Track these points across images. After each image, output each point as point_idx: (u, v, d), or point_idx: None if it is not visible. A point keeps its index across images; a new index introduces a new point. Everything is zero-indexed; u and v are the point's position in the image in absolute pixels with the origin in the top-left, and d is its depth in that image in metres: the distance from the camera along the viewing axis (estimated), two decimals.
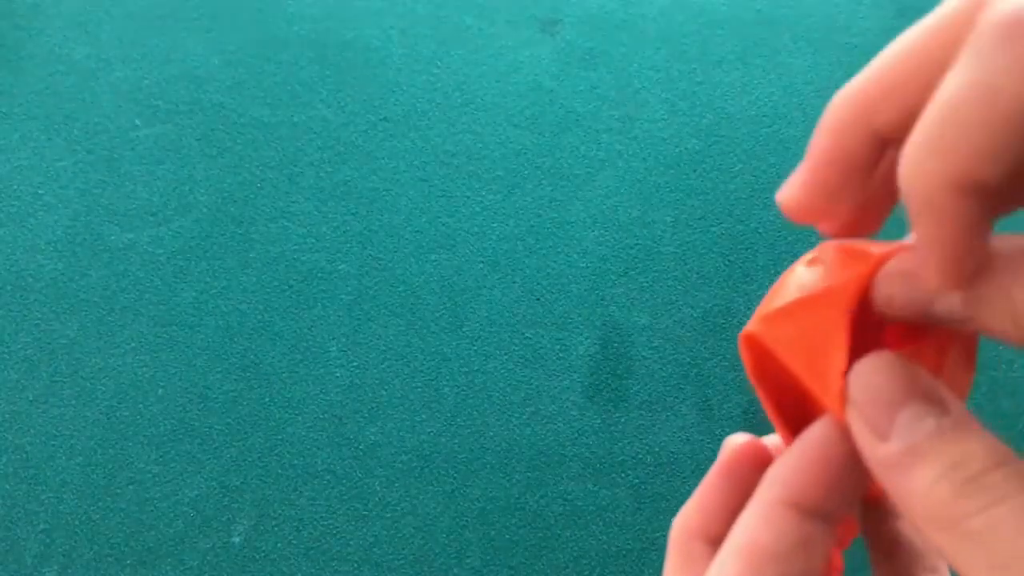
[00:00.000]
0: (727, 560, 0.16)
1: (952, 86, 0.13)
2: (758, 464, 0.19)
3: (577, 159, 0.51)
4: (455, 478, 0.43)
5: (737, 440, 0.19)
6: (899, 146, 0.15)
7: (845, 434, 0.16)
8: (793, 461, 0.16)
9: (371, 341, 0.46)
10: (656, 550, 0.41)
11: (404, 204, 0.50)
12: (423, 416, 0.44)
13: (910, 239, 0.16)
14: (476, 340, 0.46)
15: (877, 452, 0.14)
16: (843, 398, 0.15)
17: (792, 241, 0.48)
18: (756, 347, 0.18)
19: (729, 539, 0.16)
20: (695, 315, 0.46)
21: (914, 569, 0.19)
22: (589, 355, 0.45)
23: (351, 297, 0.47)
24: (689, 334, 0.46)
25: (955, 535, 0.13)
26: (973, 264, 0.14)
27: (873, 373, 0.15)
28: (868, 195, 0.17)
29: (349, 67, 0.54)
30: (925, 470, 0.13)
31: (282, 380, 0.45)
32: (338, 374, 0.45)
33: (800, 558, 0.16)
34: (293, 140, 0.51)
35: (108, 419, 0.44)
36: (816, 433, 0.16)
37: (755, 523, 0.16)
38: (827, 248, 0.17)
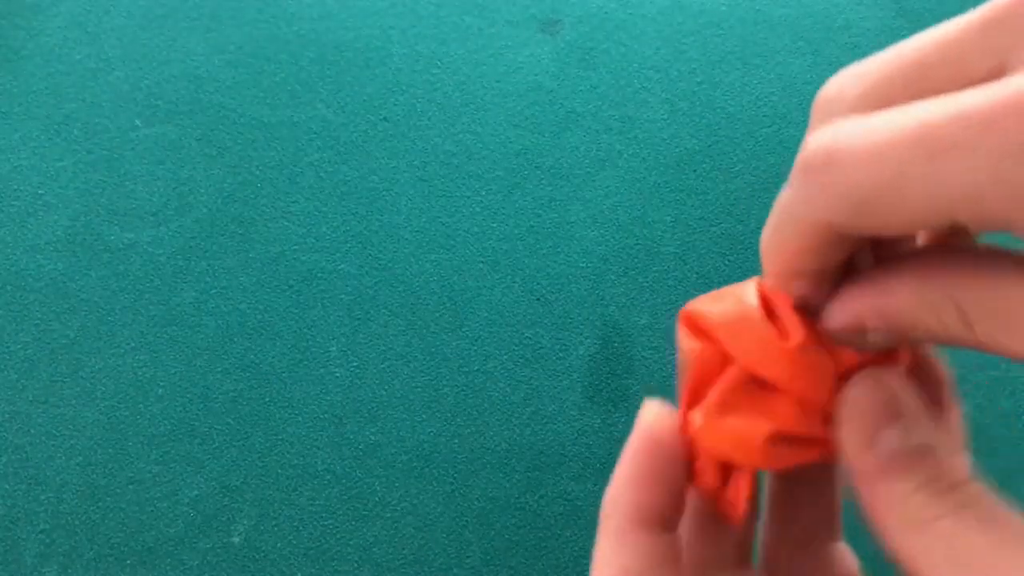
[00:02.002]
0: None
1: (776, 207, 0.17)
2: (675, 447, 0.19)
3: (577, 159, 0.51)
4: (455, 478, 0.43)
5: (652, 411, 0.20)
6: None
7: (662, 446, 0.18)
8: (627, 482, 0.18)
9: (371, 341, 0.46)
10: None
11: (404, 204, 0.50)
12: (423, 416, 0.44)
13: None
14: (476, 340, 0.46)
15: (863, 462, 0.16)
16: (826, 410, 0.17)
17: None
18: (697, 329, 0.19)
19: (599, 571, 0.18)
20: None
21: (818, 532, 0.20)
22: (589, 355, 0.45)
23: (351, 297, 0.47)
24: None
25: (926, 536, 0.14)
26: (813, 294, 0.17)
27: (867, 391, 0.16)
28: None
29: (349, 67, 0.54)
30: (906, 479, 0.15)
31: (282, 380, 0.45)
32: (338, 374, 0.45)
33: (666, 569, 0.17)
34: (293, 140, 0.51)
35: (108, 419, 0.44)
36: (638, 451, 0.18)
37: (616, 551, 0.18)
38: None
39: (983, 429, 0.43)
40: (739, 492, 0.18)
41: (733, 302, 0.19)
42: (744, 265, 0.48)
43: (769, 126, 0.51)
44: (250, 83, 0.53)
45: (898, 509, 0.15)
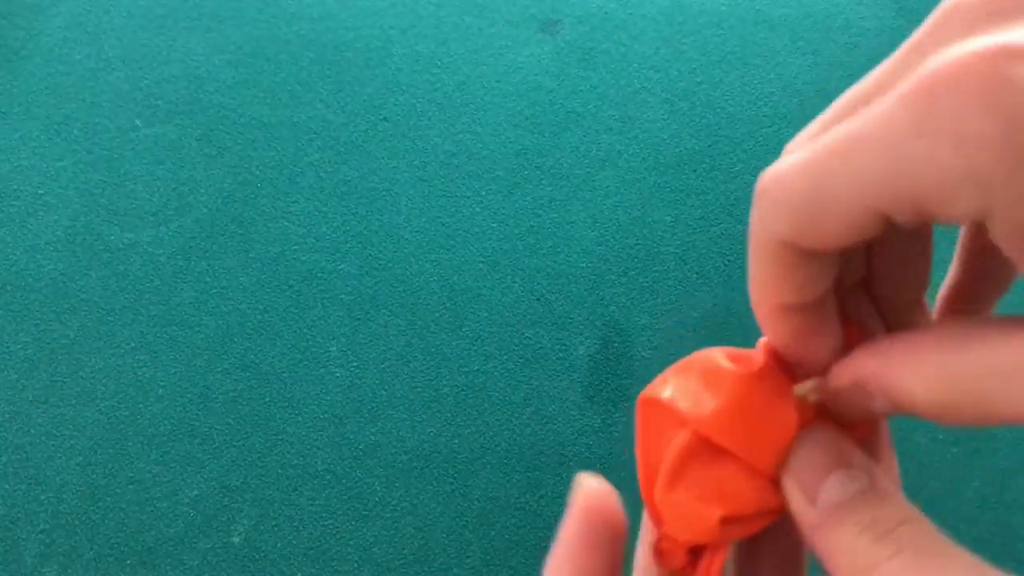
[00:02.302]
0: None
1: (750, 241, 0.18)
2: (612, 516, 0.19)
3: (577, 159, 0.51)
4: (455, 478, 0.43)
5: (590, 484, 0.20)
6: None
7: (599, 515, 0.19)
8: (565, 552, 0.19)
9: (371, 341, 0.46)
10: None
11: (404, 204, 0.50)
12: (423, 416, 0.44)
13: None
14: (476, 340, 0.46)
15: (809, 514, 0.17)
16: (776, 469, 0.18)
17: None
18: (654, 411, 0.19)
19: None
20: (695, 315, 0.46)
21: None
22: (589, 355, 0.45)
23: (351, 297, 0.47)
24: (689, 334, 0.46)
25: None
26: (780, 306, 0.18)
27: (809, 445, 0.18)
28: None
29: (349, 67, 0.54)
30: (850, 525, 0.16)
31: (282, 380, 0.45)
32: (338, 374, 0.45)
33: None
34: (293, 140, 0.51)
35: (108, 419, 0.44)
36: (576, 521, 0.19)
37: None
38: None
39: (983, 429, 0.44)
40: (710, 568, 0.19)
41: (694, 363, 0.20)
42: (744, 265, 0.48)
43: (769, 126, 0.51)
44: (250, 83, 0.53)
45: (846, 557, 0.16)
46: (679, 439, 0.19)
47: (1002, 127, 0.13)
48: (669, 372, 0.20)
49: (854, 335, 0.19)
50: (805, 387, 0.19)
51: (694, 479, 0.18)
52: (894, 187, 0.14)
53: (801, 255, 0.17)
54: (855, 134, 0.15)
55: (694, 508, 0.18)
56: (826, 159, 0.15)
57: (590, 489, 0.20)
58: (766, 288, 0.18)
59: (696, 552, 0.19)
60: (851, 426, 0.19)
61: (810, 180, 0.16)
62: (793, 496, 0.17)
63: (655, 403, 0.20)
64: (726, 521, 0.18)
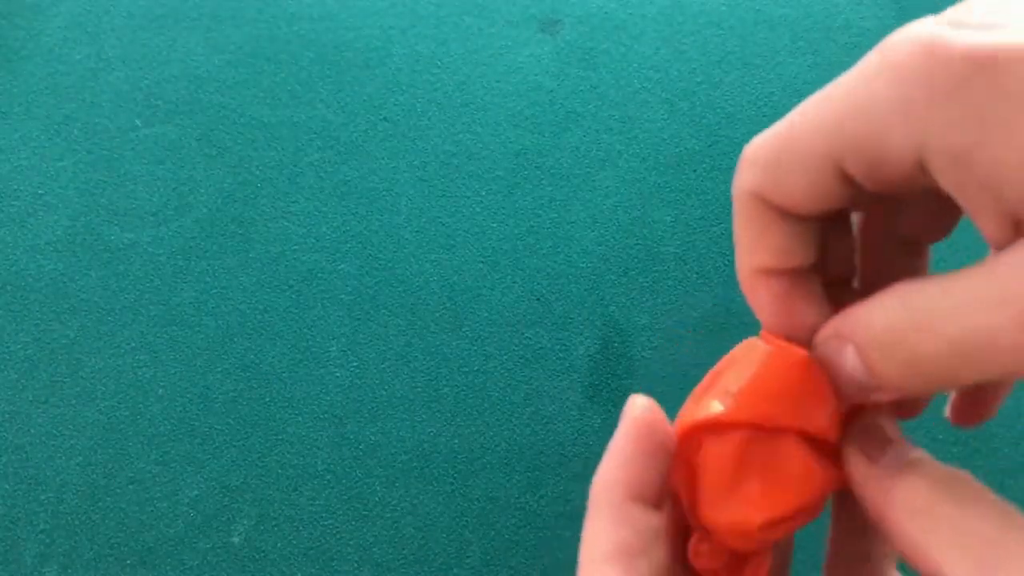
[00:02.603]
0: (598, 567, 0.18)
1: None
2: (663, 432, 0.20)
3: (577, 159, 0.51)
4: (455, 478, 0.43)
5: (641, 403, 0.21)
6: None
7: (651, 428, 0.20)
8: (620, 463, 0.20)
9: (371, 341, 0.46)
10: None
11: (404, 204, 0.50)
12: (423, 416, 0.44)
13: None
14: (476, 340, 0.46)
15: (871, 469, 0.18)
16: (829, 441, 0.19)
17: None
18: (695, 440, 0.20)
19: (590, 545, 0.19)
20: (695, 315, 0.46)
21: (878, 549, 0.22)
22: (589, 355, 0.45)
23: (351, 297, 0.47)
24: (689, 334, 0.46)
25: (932, 520, 0.16)
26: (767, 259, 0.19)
27: (870, 421, 0.19)
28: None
29: (349, 67, 0.54)
30: (911, 476, 0.17)
31: (282, 380, 0.45)
32: (338, 374, 0.45)
33: (659, 546, 0.19)
34: (293, 140, 0.51)
35: (108, 419, 0.44)
36: (629, 434, 0.20)
37: (609, 526, 0.19)
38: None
39: (983, 429, 0.44)
40: (758, 572, 0.20)
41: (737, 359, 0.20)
42: None
43: (769, 126, 0.51)
44: (250, 83, 0.53)
45: (907, 502, 0.17)
46: (726, 443, 0.19)
47: (932, 65, 0.15)
48: (699, 391, 0.21)
49: None
50: None
51: (740, 481, 0.19)
52: (845, 130, 0.16)
53: (774, 214, 0.18)
54: (820, 95, 0.17)
55: (736, 512, 0.19)
56: (794, 118, 0.17)
57: (640, 404, 0.20)
58: (743, 249, 0.19)
59: (736, 556, 0.20)
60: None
61: (778, 137, 0.18)
62: (855, 460, 0.18)
63: (694, 426, 0.20)
64: (765, 526, 0.18)
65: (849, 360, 0.17)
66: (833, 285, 0.21)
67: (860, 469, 0.18)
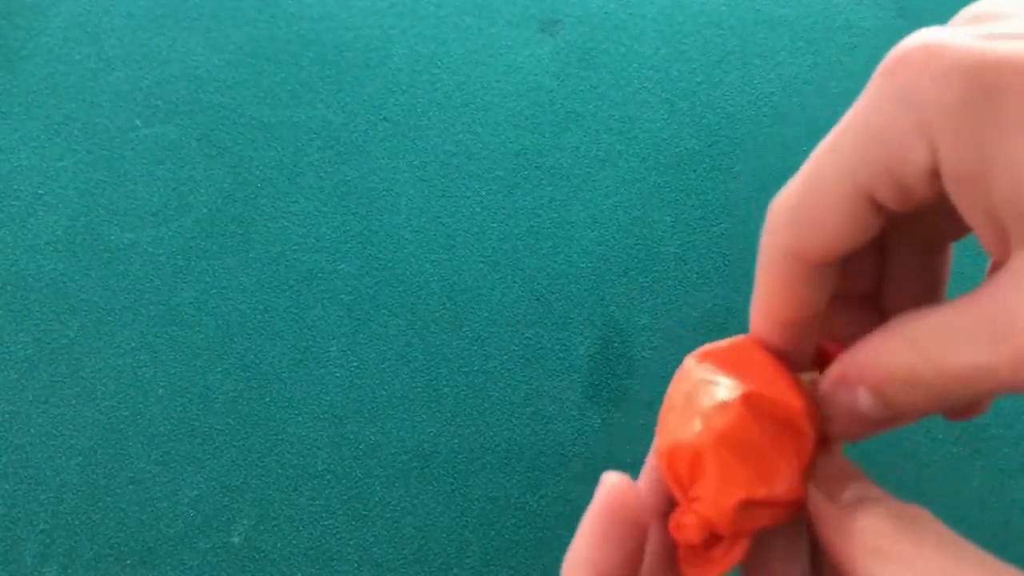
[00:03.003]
0: None
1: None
2: (635, 511, 0.20)
3: (577, 159, 0.51)
4: (455, 478, 0.43)
5: (612, 481, 0.21)
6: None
7: (621, 510, 0.20)
8: (585, 545, 0.21)
9: (371, 341, 0.46)
10: None
11: (404, 204, 0.50)
12: (423, 416, 0.44)
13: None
14: (476, 340, 0.46)
15: (831, 507, 0.18)
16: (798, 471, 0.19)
17: None
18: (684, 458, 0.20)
19: None
20: (695, 315, 0.46)
21: None
22: (589, 355, 0.45)
23: (351, 297, 0.47)
24: (689, 334, 0.46)
25: (890, 562, 0.17)
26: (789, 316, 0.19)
27: (832, 458, 0.19)
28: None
29: (349, 67, 0.54)
30: (869, 512, 0.18)
31: (282, 380, 0.45)
32: (338, 374, 0.45)
33: None
34: (293, 140, 0.51)
35: (108, 419, 0.44)
36: (597, 515, 0.20)
37: None
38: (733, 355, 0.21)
39: (983, 429, 0.44)
40: (726, 555, 0.20)
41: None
42: (744, 266, 0.48)
43: (769, 126, 0.51)
44: (250, 83, 0.53)
45: (865, 541, 0.17)
46: (727, 412, 0.20)
47: (938, 86, 0.15)
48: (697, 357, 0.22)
49: (834, 351, 0.20)
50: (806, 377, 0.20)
51: (725, 458, 0.19)
52: (871, 160, 0.16)
53: (803, 269, 0.19)
54: (837, 129, 0.17)
55: (718, 488, 0.19)
56: (812, 166, 0.17)
57: (609, 483, 0.21)
58: (769, 306, 0.20)
59: (717, 538, 0.20)
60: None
61: (804, 183, 0.18)
62: (815, 497, 0.19)
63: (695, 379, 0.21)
64: (745, 506, 0.19)
65: (863, 400, 0.18)
66: (851, 299, 0.21)
67: (820, 507, 0.19)
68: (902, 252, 0.21)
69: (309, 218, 0.49)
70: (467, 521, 0.42)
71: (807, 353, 0.20)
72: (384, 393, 0.45)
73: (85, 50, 0.54)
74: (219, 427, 0.44)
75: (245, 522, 0.42)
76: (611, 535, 0.20)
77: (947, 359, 0.16)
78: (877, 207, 0.17)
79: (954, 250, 0.22)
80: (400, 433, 0.44)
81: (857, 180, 0.16)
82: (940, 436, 0.43)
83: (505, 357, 0.45)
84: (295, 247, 0.48)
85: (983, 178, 0.15)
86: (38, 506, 0.43)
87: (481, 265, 0.48)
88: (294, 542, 0.42)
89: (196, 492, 0.43)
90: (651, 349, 0.46)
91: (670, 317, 0.46)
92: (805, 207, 0.18)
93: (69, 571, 0.41)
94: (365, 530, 0.42)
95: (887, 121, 0.16)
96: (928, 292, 0.21)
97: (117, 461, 0.43)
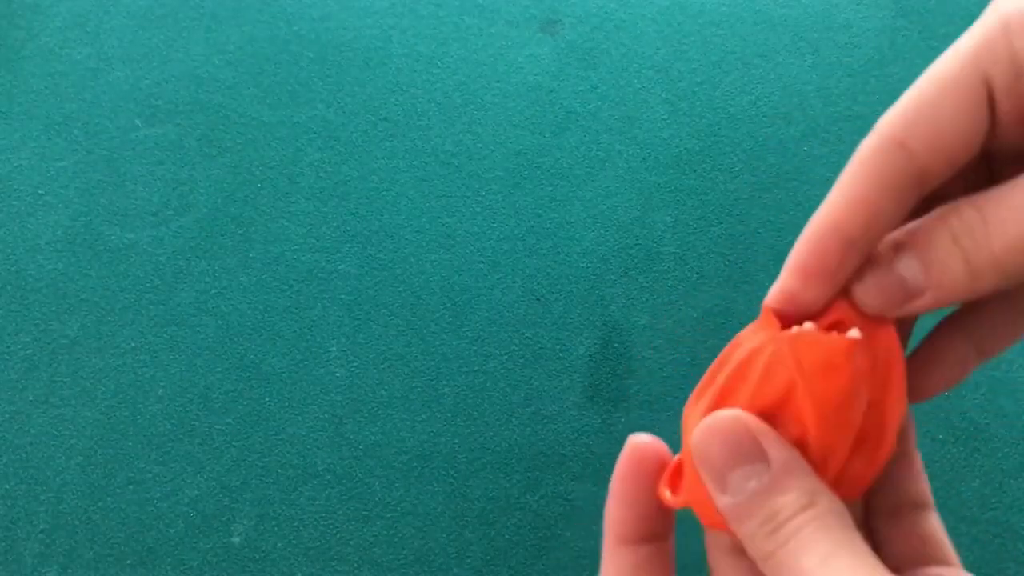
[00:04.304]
0: None
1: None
2: (657, 466, 0.21)
3: (577, 159, 0.51)
4: (455, 478, 0.43)
5: (637, 439, 0.21)
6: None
7: (640, 466, 0.20)
8: (610, 502, 0.21)
9: (371, 341, 0.46)
10: None
11: (404, 204, 0.50)
12: (423, 416, 0.44)
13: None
14: (476, 340, 0.46)
15: (720, 503, 0.18)
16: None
17: (792, 241, 0.48)
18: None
19: None
20: (695, 315, 0.46)
21: (906, 503, 0.22)
22: (589, 355, 0.45)
23: (351, 297, 0.47)
24: (689, 334, 0.46)
25: (769, 566, 0.17)
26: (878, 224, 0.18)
27: (707, 440, 0.19)
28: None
29: (349, 67, 0.54)
30: (748, 523, 0.18)
31: (282, 380, 0.45)
32: (338, 374, 0.45)
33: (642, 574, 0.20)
34: (293, 140, 0.51)
35: (108, 419, 0.44)
36: (620, 473, 0.21)
37: (603, 565, 0.20)
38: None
39: (983, 429, 0.44)
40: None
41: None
42: (744, 266, 0.48)
43: (769, 126, 0.51)
44: (250, 83, 0.53)
45: (749, 543, 0.18)
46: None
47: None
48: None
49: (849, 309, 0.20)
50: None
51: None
52: (994, 43, 0.17)
53: (904, 165, 0.18)
54: (951, 47, 0.17)
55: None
56: (933, 65, 0.17)
57: (631, 444, 0.21)
58: (850, 202, 0.18)
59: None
60: (876, 442, 0.19)
61: (921, 81, 0.18)
62: (707, 484, 0.19)
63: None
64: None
65: (904, 263, 0.18)
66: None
67: (712, 496, 0.19)
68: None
69: (309, 218, 0.49)
70: (467, 521, 0.42)
71: (824, 297, 0.19)
72: (384, 393, 0.45)
73: (85, 50, 0.54)
74: (219, 427, 0.44)
75: (245, 522, 0.42)
76: (623, 502, 0.21)
77: (1007, 221, 0.16)
78: (990, 103, 0.17)
79: None
80: (400, 433, 0.44)
81: (979, 64, 0.17)
82: (940, 436, 0.43)
83: (505, 357, 0.45)
84: (295, 247, 0.48)
85: None
86: (38, 506, 0.43)
87: (481, 265, 0.48)
88: (294, 542, 0.42)
89: (196, 492, 0.43)
90: (651, 349, 0.46)
91: (670, 317, 0.46)
92: (922, 100, 0.17)
93: (69, 571, 0.41)
94: (365, 530, 0.42)
95: (1015, 7, 0.16)
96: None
97: (117, 461, 0.43)
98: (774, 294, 0.20)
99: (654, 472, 0.20)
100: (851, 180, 0.18)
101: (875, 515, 0.22)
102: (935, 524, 0.22)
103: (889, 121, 0.18)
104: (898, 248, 0.18)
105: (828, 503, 0.18)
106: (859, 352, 0.18)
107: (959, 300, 0.18)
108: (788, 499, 0.18)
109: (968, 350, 0.20)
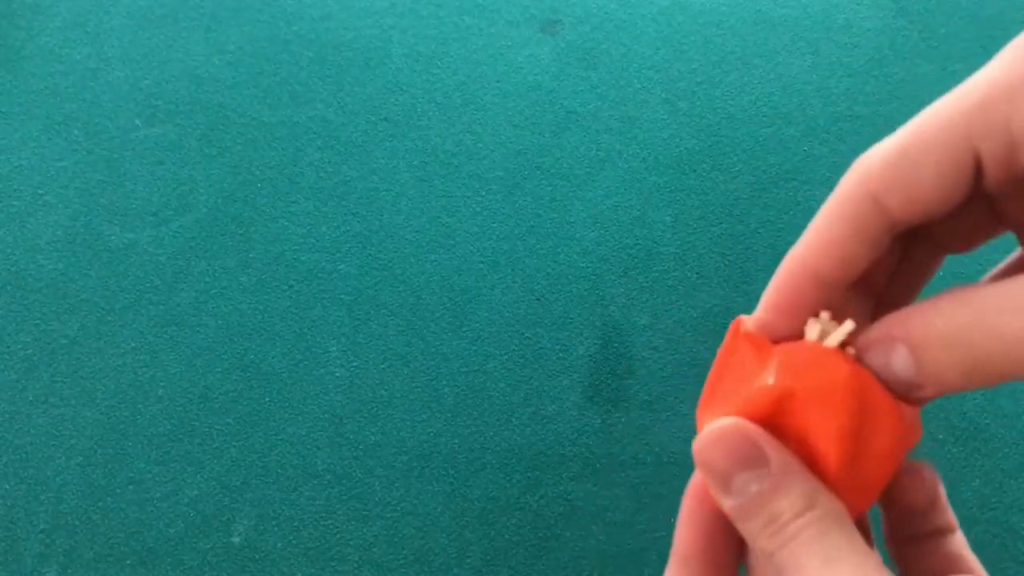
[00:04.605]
0: None
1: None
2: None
3: (577, 159, 0.51)
4: (455, 478, 0.43)
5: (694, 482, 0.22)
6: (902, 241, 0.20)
7: (701, 502, 0.21)
8: (678, 525, 0.21)
9: (371, 341, 0.46)
10: (656, 550, 0.41)
11: (404, 204, 0.50)
12: (423, 416, 0.44)
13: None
14: (476, 340, 0.46)
15: (724, 505, 0.19)
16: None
17: (792, 241, 0.48)
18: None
19: None
20: (695, 315, 0.46)
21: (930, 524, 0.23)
22: (589, 355, 0.45)
23: (351, 297, 0.47)
24: (689, 334, 0.46)
25: (773, 563, 0.18)
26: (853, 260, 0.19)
27: (719, 439, 0.19)
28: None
29: (349, 67, 0.54)
30: (751, 523, 0.18)
31: (282, 380, 0.45)
32: (338, 374, 0.45)
33: None
34: (293, 140, 0.51)
35: (108, 419, 0.44)
36: (687, 493, 0.21)
37: None
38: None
39: (983, 429, 0.44)
40: None
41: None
42: (744, 265, 0.48)
43: (769, 126, 0.51)
44: (250, 83, 0.53)
45: (752, 543, 0.19)
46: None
47: None
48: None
49: None
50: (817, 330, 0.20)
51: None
52: (989, 112, 0.16)
53: (877, 219, 0.18)
54: (952, 93, 0.17)
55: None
56: (918, 119, 0.17)
57: (695, 477, 0.21)
58: (816, 245, 0.19)
59: None
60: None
61: (904, 136, 0.17)
62: (710, 487, 0.19)
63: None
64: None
65: (899, 360, 0.18)
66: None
67: (714, 492, 0.19)
68: (922, 250, 0.21)
69: (309, 218, 0.49)
70: (467, 521, 0.42)
71: (798, 328, 0.20)
72: (384, 393, 0.45)
73: (85, 50, 0.54)
74: (219, 427, 0.44)
75: (245, 522, 0.42)
76: (689, 523, 0.21)
77: (1000, 323, 0.16)
78: (976, 170, 0.17)
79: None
80: (400, 433, 0.44)
81: (971, 128, 0.16)
82: (940, 436, 0.43)
83: (505, 357, 0.45)
84: (295, 247, 0.48)
85: None
86: (38, 506, 0.43)
87: (481, 265, 0.48)
88: (294, 542, 0.42)
89: (196, 492, 0.43)
90: (651, 349, 0.46)
91: (670, 317, 0.46)
92: (900, 152, 0.17)
93: (69, 571, 0.41)
94: (365, 530, 0.42)
95: (1003, 79, 0.16)
96: (912, 291, 0.21)
97: (117, 461, 0.43)
98: (752, 320, 0.21)
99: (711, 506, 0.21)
100: (825, 222, 0.19)
101: (900, 542, 0.23)
102: (960, 542, 0.23)
103: (865, 172, 0.18)
104: (892, 343, 0.18)
105: (828, 504, 0.18)
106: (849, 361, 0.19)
107: (958, 392, 0.18)
108: (788, 502, 0.18)
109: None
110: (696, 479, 0.21)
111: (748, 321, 0.21)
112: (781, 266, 0.20)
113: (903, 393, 0.18)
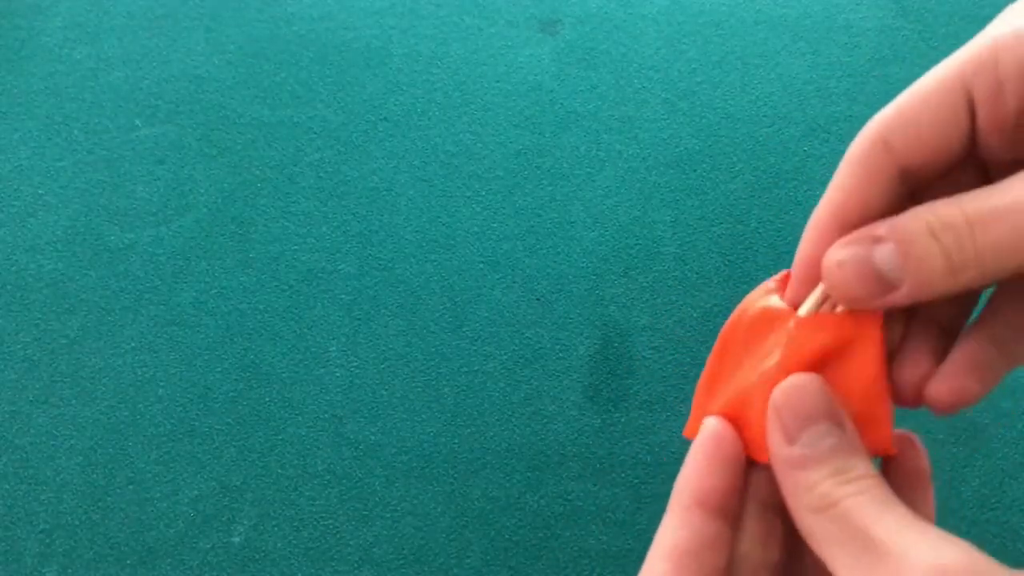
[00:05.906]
0: (655, 562, 0.20)
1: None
2: (734, 448, 0.22)
3: (577, 159, 0.51)
4: (455, 478, 0.43)
5: (713, 422, 0.22)
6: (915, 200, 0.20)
7: (723, 442, 0.21)
8: (691, 468, 0.21)
9: (371, 341, 0.46)
10: None
11: (404, 204, 0.50)
12: (423, 416, 0.44)
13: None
14: (476, 340, 0.46)
15: (783, 451, 0.19)
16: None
17: (792, 241, 0.48)
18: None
19: (655, 542, 0.21)
20: (695, 315, 0.46)
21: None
22: (589, 355, 0.45)
23: (351, 297, 0.47)
24: (689, 334, 0.46)
25: (825, 516, 0.18)
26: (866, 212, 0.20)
27: (799, 391, 0.20)
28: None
29: (349, 67, 0.54)
30: (817, 470, 0.18)
31: (282, 380, 0.45)
32: (338, 374, 0.45)
33: (713, 553, 0.20)
34: (293, 140, 0.51)
35: (108, 419, 0.44)
36: (702, 444, 0.22)
37: (674, 526, 0.20)
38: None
39: (983, 429, 0.44)
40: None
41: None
42: (744, 265, 0.48)
43: (769, 126, 0.51)
44: (250, 83, 0.53)
45: (807, 495, 0.18)
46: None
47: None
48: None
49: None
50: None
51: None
52: (980, 55, 0.18)
53: (888, 166, 0.19)
54: (936, 66, 0.19)
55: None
56: (923, 77, 0.19)
57: (713, 422, 0.22)
58: (841, 200, 0.20)
59: None
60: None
61: (907, 92, 0.19)
62: (772, 432, 0.20)
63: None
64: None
65: (882, 252, 0.18)
66: None
67: (775, 446, 0.20)
68: None
69: (309, 218, 0.49)
70: (467, 521, 0.42)
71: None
72: (384, 393, 0.45)
73: (85, 50, 0.54)
74: (219, 427, 0.44)
75: (245, 522, 0.42)
76: (709, 464, 0.21)
77: (989, 221, 0.17)
78: (971, 111, 0.18)
79: None
80: (400, 433, 0.44)
81: (964, 75, 0.18)
82: (940, 436, 0.43)
83: (505, 357, 0.45)
84: (295, 247, 0.48)
85: None
86: (38, 506, 0.43)
87: (481, 265, 0.48)
88: (294, 542, 0.42)
89: (196, 492, 0.43)
90: (651, 349, 0.46)
91: (670, 317, 0.46)
92: (906, 104, 0.19)
93: (69, 571, 0.41)
94: (365, 530, 0.42)
95: (1004, 25, 0.17)
96: (965, 315, 0.22)
97: (117, 461, 0.43)
98: (788, 291, 0.22)
99: (735, 447, 0.21)
100: (840, 174, 0.20)
101: None
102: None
103: (876, 121, 0.19)
104: (877, 240, 0.19)
105: (885, 484, 0.19)
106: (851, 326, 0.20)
107: (937, 296, 0.18)
108: (862, 461, 0.19)
109: (993, 354, 0.21)
110: (707, 431, 0.22)
111: (788, 291, 0.22)
112: (808, 226, 0.21)
113: (877, 296, 0.19)
